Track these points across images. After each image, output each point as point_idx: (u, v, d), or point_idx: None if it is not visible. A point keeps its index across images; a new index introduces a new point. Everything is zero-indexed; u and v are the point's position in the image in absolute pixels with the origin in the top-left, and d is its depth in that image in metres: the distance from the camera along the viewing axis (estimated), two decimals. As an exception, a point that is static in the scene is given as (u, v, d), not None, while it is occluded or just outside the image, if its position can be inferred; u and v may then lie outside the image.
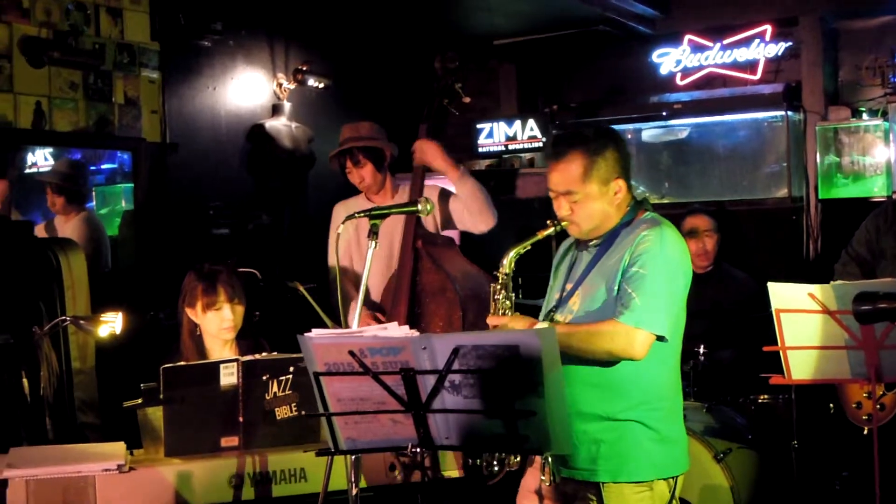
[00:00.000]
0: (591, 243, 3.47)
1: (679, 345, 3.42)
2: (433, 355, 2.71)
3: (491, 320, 3.36)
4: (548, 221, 3.41)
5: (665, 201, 8.04)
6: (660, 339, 3.21)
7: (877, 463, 3.34)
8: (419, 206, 3.85)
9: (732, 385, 5.67)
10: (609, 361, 3.25)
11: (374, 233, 3.57)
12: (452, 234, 5.34)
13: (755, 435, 5.38)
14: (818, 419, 5.24)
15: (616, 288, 3.27)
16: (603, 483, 3.30)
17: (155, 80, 6.56)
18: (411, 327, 4.81)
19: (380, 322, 4.94)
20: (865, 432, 3.75)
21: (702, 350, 5.64)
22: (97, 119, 6.22)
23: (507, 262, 3.43)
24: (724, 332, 5.87)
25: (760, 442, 5.35)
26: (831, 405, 4.77)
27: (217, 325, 4.34)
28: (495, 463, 3.32)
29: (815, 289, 3.56)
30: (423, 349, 2.70)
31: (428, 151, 5.00)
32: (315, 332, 2.85)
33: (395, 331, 2.85)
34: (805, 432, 5.20)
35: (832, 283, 3.56)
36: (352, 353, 2.76)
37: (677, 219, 6.48)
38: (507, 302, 3.42)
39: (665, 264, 3.25)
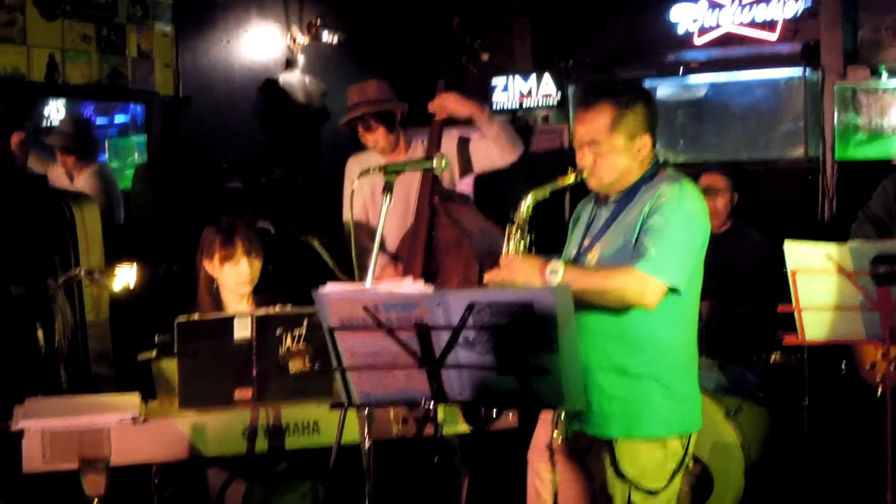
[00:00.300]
0: (610, 199, 3.45)
1: (696, 302, 3.40)
2: (447, 311, 2.70)
3: (503, 260, 3.35)
4: (569, 169, 3.40)
5: (680, 160, 8.01)
6: (672, 290, 3.20)
7: (889, 424, 3.34)
8: (434, 163, 3.83)
9: (745, 343, 5.66)
10: (624, 313, 3.23)
11: (388, 189, 3.55)
12: (466, 189, 5.32)
13: (766, 393, 5.38)
14: (830, 378, 5.23)
15: (634, 241, 3.25)
16: (615, 438, 3.31)
17: (168, 34, 6.55)
18: (427, 282, 4.87)
19: (399, 272, 4.96)
20: (879, 394, 3.73)
21: (715, 308, 5.64)
22: (110, 72, 6.23)
23: (525, 206, 3.40)
24: (737, 290, 5.85)
25: (771, 400, 5.35)
26: (843, 364, 4.75)
27: (234, 279, 4.34)
28: (493, 411, 3.34)
29: (832, 249, 3.54)
30: (438, 305, 2.70)
31: (450, 103, 4.97)
32: (330, 287, 2.84)
33: (410, 286, 2.84)
34: (816, 391, 5.19)
35: (849, 243, 3.53)
36: (366, 309, 2.75)
37: (694, 177, 6.44)
38: (523, 243, 3.41)
39: (683, 218, 3.24)
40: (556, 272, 3.20)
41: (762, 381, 5.46)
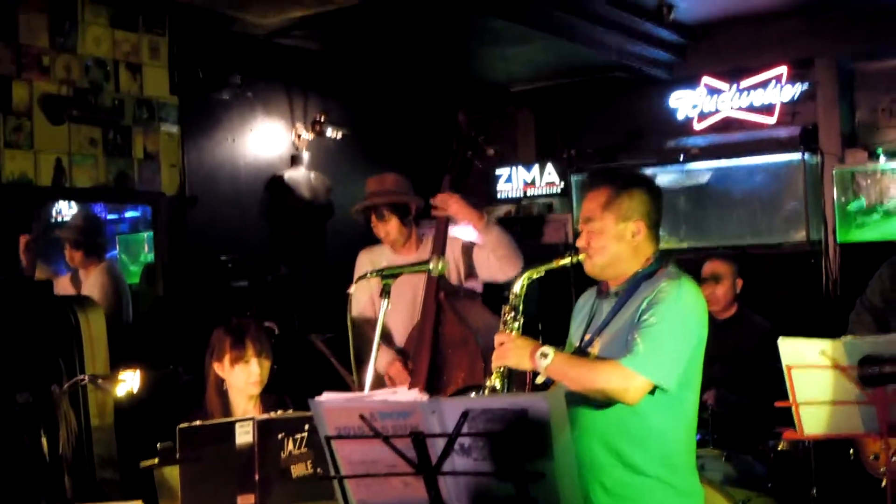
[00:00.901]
0: (611, 291, 3.47)
1: (694, 399, 3.39)
2: (442, 419, 2.71)
3: (498, 338, 3.37)
4: (566, 252, 3.45)
5: (684, 246, 8.06)
6: (657, 389, 3.20)
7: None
8: (431, 266, 3.87)
9: (751, 432, 5.63)
10: (625, 410, 3.23)
11: (385, 292, 3.59)
12: (476, 284, 5.35)
13: (774, 483, 5.34)
14: (838, 467, 5.20)
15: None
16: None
17: (174, 135, 6.64)
18: (433, 378, 4.89)
19: (407, 367, 4.98)
20: (883, 485, 3.72)
21: (721, 396, 5.63)
22: (117, 174, 6.30)
23: (519, 285, 3.46)
24: (744, 378, 5.85)
25: (780, 490, 5.30)
26: (851, 452, 4.73)
27: (244, 380, 4.36)
28: None
29: (826, 345, 3.56)
30: (433, 413, 2.71)
31: (451, 206, 5.01)
32: (325, 396, 2.87)
33: (405, 394, 2.87)
34: (825, 480, 5.15)
35: (842, 339, 3.55)
36: (362, 417, 2.77)
37: (697, 264, 6.51)
38: (516, 323, 3.44)
39: (677, 318, 3.25)
40: (547, 356, 3.22)
41: (770, 471, 5.42)
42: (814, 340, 3.61)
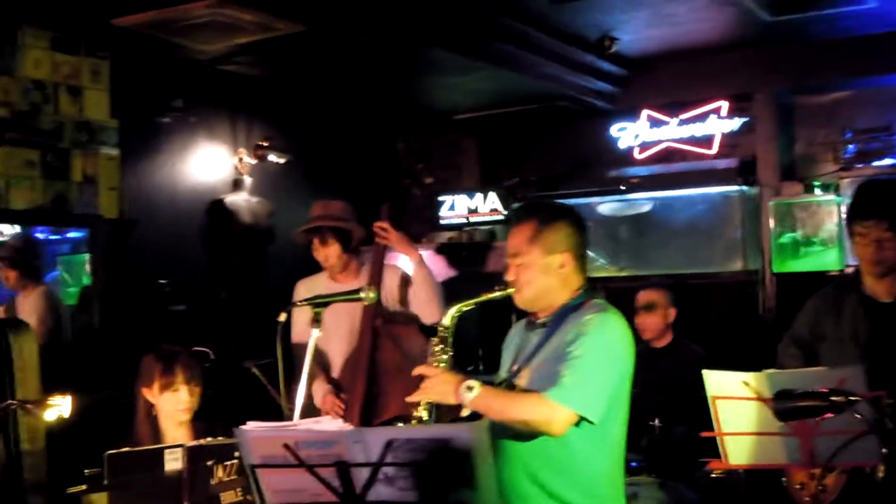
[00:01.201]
0: (538, 322, 3.50)
1: (620, 430, 3.42)
2: (367, 448, 2.73)
3: (420, 370, 3.38)
4: (495, 286, 3.47)
5: (623, 274, 8.14)
6: (582, 420, 3.23)
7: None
8: (362, 294, 3.90)
9: (686, 460, 5.68)
10: (550, 441, 3.25)
11: (316, 321, 3.61)
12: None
13: (708, 510, 5.40)
14: (770, 495, 5.25)
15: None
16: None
17: (114, 157, 6.60)
18: (368, 406, 4.90)
19: (340, 397, 4.98)
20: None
21: (657, 424, 5.69)
22: (54, 196, 6.26)
23: (449, 317, 3.46)
24: (679, 406, 5.90)
25: (713, 518, 5.36)
26: (784, 479, 4.79)
27: (173, 406, 4.34)
28: None
29: (749, 377, 3.61)
30: (357, 442, 2.73)
31: (392, 235, 5.06)
32: (250, 425, 2.88)
33: (329, 424, 2.88)
34: (758, 507, 5.22)
35: (765, 371, 3.60)
36: (286, 447, 2.78)
37: (634, 292, 6.58)
38: (444, 356, 3.45)
39: (602, 349, 3.28)
40: (472, 389, 3.23)
41: (703, 499, 5.47)
42: (737, 373, 3.66)
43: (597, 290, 3.53)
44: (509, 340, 3.68)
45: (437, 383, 3.33)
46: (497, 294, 3.46)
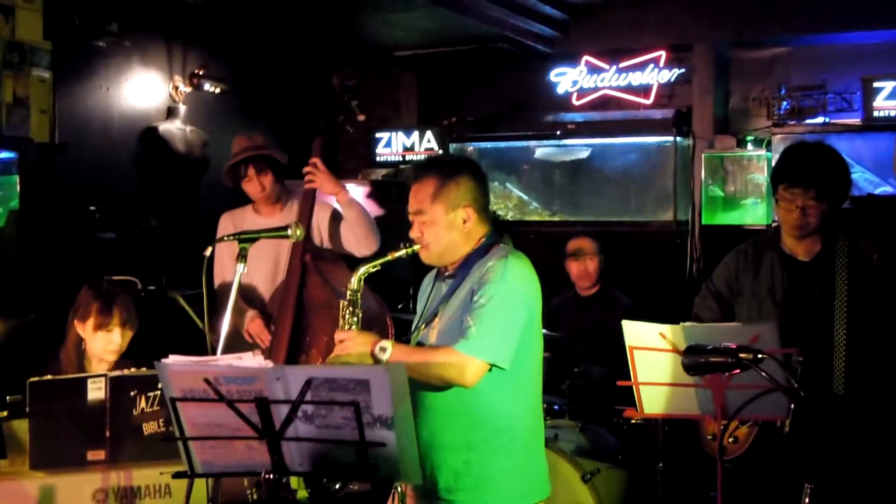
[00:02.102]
0: (447, 274, 3.55)
1: (535, 373, 3.47)
2: (287, 386, 2.77)
3: (338, 335, 3.42)
4: (400, 244, 3.50)
5: (556, 219, 8.20)
6: (494, 367, 3.29)
7: (720, 496, 3.48)
8: (289, 231, 3.90)
9: (608, 405, 5.79)
10: (465, 391, 3.31)
11: (242, 256, 3.62)
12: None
13: (625, 455, 5.50)
14: (688, 442, 5.37)
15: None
16: (465, 513, 3.38)
17: (46, 80, 6.49)
18: (296, 340, 4.92)
19: (269, 327, 5.00)
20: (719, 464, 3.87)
21: (582, 369, 5.79)
22: (-17, 118, 6.15)
23: (355, 280, 3.49)
24: (604, 352, 6.00)
25: (629, 463, 5.47)
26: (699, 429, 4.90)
27: (103, 347, 4.34)
28: (337, 484, 3.39)
29: (666, 329, 3.69)
30: (277, 380, 2.77)
31: (318, 176, 5.06)
32: (172, 359, 2.89)
33: (251, 361, 2.91)
34: (673, 455, 5.32)
35: (682, 324, 3.69)
36: (207, 381, 2.80)
37: (566, 237, 6.65)
38: (354, 318, 3.48)
39: (505, 296, 3.32)
40: (385, 350, 3.29)
41: (622, 444, 5.59)
42: (654, 324, 3.74)
43: (502, 235, 3.57)
44: (422, 290, 3.74)
45: (353, 345, 3.36)
46: (402, 252, 3.49)
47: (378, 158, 8.95)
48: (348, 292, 3.49)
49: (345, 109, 5.19)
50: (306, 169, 5.09)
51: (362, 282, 3.50)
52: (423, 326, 3.53)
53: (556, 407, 5.81)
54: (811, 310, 3.99)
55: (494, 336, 3.27)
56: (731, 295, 4.35)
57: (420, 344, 3.53)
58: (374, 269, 3.52)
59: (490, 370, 3.29)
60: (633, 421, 5.68)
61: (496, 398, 3.36)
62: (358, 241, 5.09)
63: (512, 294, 3.34)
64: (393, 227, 5.37)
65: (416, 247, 3.47)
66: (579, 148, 8.26)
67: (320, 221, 5.20)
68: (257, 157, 5.17)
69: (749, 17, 7.81)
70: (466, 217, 3.44)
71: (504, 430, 3.39)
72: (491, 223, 3.56)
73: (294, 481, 3.69)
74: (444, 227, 3.43)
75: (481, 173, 3.54)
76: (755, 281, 4.25)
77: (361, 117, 5.26)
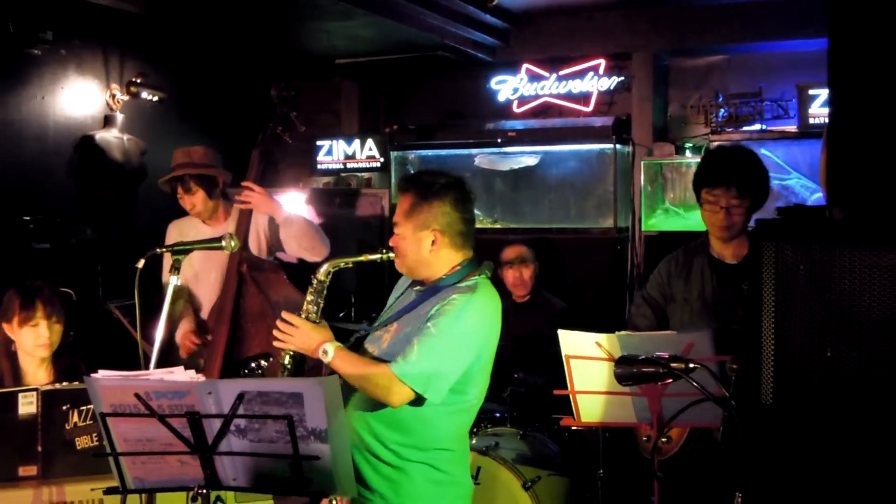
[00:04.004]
0: (417, 288, 3.53)
1: (478, 397, 3.46)
2: (219, 400, 2.75)
3: (288, 316, 3.41)
4: (379, 248, 3.50)
5: (497, 226, 8.23)
6: (420, 397, 3.27)
7: (657, 494, 3.51)
8: (223, 244, 3.88)
9: (547, 412, 5.80)
10: (402, 412, 3.31)
11: (175, 268, 3.60)
12: (286, 256, 5.37)
13: (566, 462, 5.52)
14: (628, 448, 5.40)
15: None
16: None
17: (-21, 88, 6.40)
18: (231, 349, 4.89)
19: (206, 339, 4.96)
20: (656, 465, 3.91)
21: (521, 376, 5.79)
22: (-86, 127, 6.04)
23: (324, 271, 3.50)
24: (541, 359, 6.01)
25: (570, 469, 5.49)
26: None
27: (32, 342, 4.30)
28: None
29: (602, 338, 3.72)
30: (209, 394, 2.74)
31: (253, 199, 5.05)
32: (101, 373, 2.86)
33: (181, 375, 2.89)
34: (614, 461, 5.35)
35: (617, 333, 3.71)
36: (137, 396, 2.77)
37: (505, 245, 6.66)
38: (314, 307, 3.48)
39: (455, 334, 3.29)
40: (327, 353, 3.31)
41: (563, 450, 5.60)
42: (590, 333, 3.76)
43: (485, 266, 3.52)
44: (396, 287, 3.73)
45: (300, 335, 3.37)
46: (377, 256, 3.51)
47: (319, 166, 8.93)
48: (315, 281, 3.48)
49: (283, 121, 5.17)
50: (240, 196, 5.07)
51: (331, 275, 3.50)
52: (380, 329, 3.52)
53: (497, 414, 5.81)
54: (740, 311, 4.03)
55: (431, 370, 3.24)
56: (665, 301, 4.39)
57: (367, 342, 3.54)
58: (346, 266, 3.53)
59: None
60: (574, 429, 5.70)
61: (428, 416, 3.34)
62: (306, 251, 5.10)
63: (463, 334, 3.31)
64: (336, 234, 5.38)
65: (392, 255, 3.47)
66: (520, 155, 8.29)
67: (261, 229, 5.18)
68: (185, 176, 5.12)
69: (687, 25, 7.90)
70: (434, 240, 3.40)
71: (427, 443, 3.38)
72: (472, 250, 3.51)
73: (229, 496, 3.65)
74: (412, 245, 3.42)
75: (465, 199, 3.46)
76: (686, 286, 4.30)
77: (302, 128, 5.25)
